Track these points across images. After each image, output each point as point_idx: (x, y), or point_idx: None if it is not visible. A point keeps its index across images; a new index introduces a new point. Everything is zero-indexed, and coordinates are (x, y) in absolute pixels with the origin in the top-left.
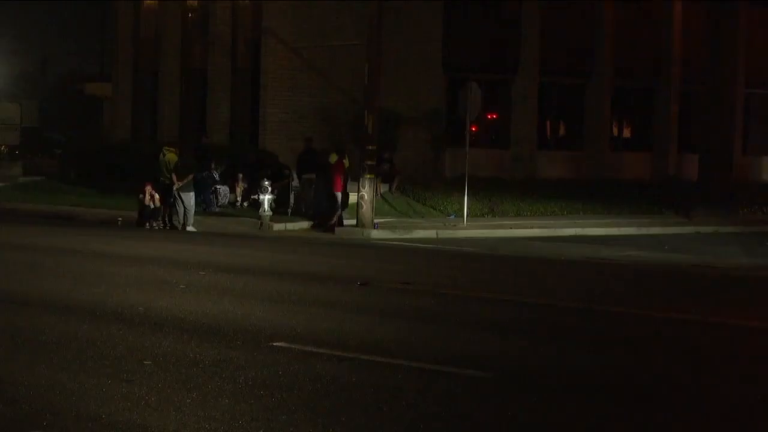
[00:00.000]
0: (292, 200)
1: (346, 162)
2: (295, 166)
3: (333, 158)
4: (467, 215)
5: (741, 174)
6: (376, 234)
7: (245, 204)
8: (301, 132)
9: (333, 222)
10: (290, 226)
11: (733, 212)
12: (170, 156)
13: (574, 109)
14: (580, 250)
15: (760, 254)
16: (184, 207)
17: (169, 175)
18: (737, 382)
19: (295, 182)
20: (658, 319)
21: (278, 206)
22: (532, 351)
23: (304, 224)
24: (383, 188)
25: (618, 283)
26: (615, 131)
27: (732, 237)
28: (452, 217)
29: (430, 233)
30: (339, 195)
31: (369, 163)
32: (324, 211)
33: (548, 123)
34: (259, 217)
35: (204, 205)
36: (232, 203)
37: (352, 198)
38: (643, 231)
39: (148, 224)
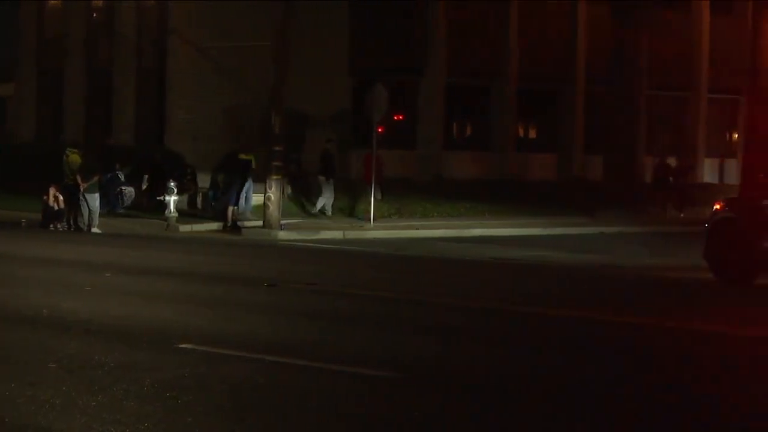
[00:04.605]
0: (199, 201)
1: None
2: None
3: (245, 157)
4: (374, 216)
5: (646, 174)
6: (282, 235)
7: (151, 205)
8: (207, 133)
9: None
10: (197, 227)
11: (638, 212)
12: (73, 157)
13: (481, 111)
14: (486, 250)
15: (661, 254)
16: (89, 208)
17: (72, 177)
18: (632, 378)
19: (201, 184)
20: (565, 319)
21: (187, 207)
22: (439, 350)
23: (211, 225)
24: (290, 189)
25: (522, 282)
26: (521, 132)
27: (636, 237)
28: (359, 218)
29: (336, 234)
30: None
31: (276, 163)
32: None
33: (455, 124)
34: (166, 218)
35: (109, 207)
36: (138, 204)
37: (259, 198)
38: (548, 231)
39: (52, 226)
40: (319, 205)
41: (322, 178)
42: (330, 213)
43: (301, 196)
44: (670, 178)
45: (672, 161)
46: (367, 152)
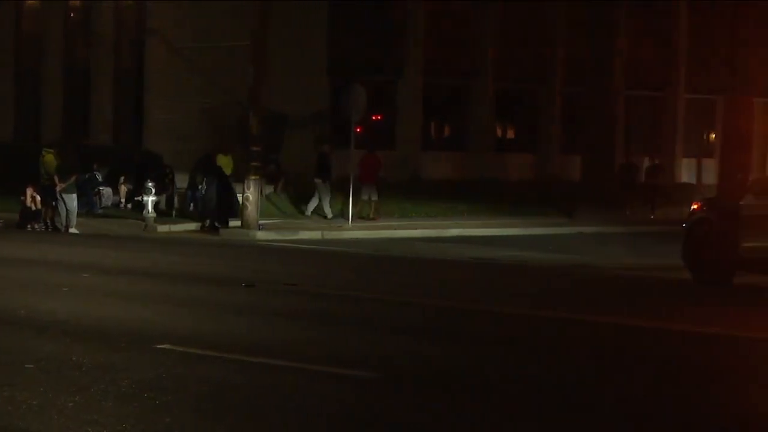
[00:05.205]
0: (176, 202)
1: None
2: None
3: (219, 159)
4: (352, 216)
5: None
6: (261, 235)
7: (129, 206)
8: (186, 133)
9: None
10: (175, 227)
11: (616, 212)
12: (48, 157)
13: (459, 110)
14: (465, 250)
15: (638, 254)
16: (67, 209)
17: (47, 177)
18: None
19: (179, 184)
20: (546, 319)
21: (165, 207)
22: (419, 350)
23: (189, 225)
24: (268, 189)
25: (501, 283)
26: (499, 132)
27: (614, 237)
28: (337, 218)
29: (315, 234)
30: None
31: (254, 164)
32: (213, 212)
33: (433, 124)
34: (144, 219)
35: (87, 207)
36: (116, 205)
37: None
38: (527, 231)
39: (29, 226)
40: (327, 210)
41: (318, 180)
42: (330, 216)
43: (284, 196)
44: (641, 178)
45: (645, 161)
46: (364, 153)
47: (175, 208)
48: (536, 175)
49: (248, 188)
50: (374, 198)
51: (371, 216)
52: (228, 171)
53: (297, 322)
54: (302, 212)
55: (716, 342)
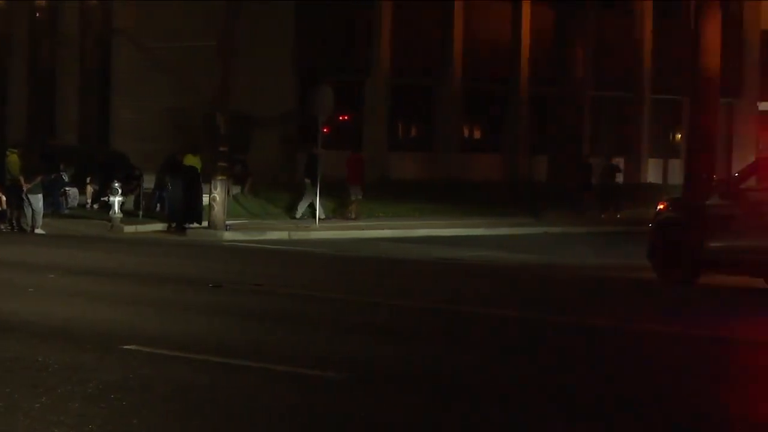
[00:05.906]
0: (143, 202)
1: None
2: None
3: (188, 159)
4: (319, 216)
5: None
6: (228, 235)
7: (95, 206)
8: (152, 133)
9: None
10: (142, 227)
11: (582, 213)
12: (12, 157)
13: (425, 111)
14: (431, 250)
15: (604, 254)
16: (32, 209)
17: (10, 177)
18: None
19: (146, 184)
20: (511, 319)
21: (132, 207)
22: (384, 351)
23: (156, 226)
24: (235, 190)
25: (467, 283)
26: (466, 133)
27: (580, 237)
28: (305, 218)
29: (282, 234)
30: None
31: (221, 164)
32: (179, 212)
33: (400, 124)
34: (110, 219)
35: (53, 208)
36: (82, 205)
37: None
38: (493, 231)
39: None
40: (300, 210)
41: (308, 181)
42: (299, 215)
43: (249, 196)
44: (596, 178)
45: (603, 161)
46: (351, 153)
47: (142, 208)
48: (503, 176)
49: (215, 188)
50: (356, 197)
51: (346, 216)
52: None
53: (264, 322)
54: (292, 215)
55: (680, 342)
